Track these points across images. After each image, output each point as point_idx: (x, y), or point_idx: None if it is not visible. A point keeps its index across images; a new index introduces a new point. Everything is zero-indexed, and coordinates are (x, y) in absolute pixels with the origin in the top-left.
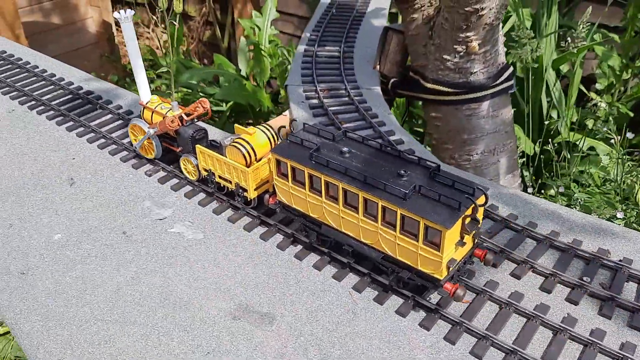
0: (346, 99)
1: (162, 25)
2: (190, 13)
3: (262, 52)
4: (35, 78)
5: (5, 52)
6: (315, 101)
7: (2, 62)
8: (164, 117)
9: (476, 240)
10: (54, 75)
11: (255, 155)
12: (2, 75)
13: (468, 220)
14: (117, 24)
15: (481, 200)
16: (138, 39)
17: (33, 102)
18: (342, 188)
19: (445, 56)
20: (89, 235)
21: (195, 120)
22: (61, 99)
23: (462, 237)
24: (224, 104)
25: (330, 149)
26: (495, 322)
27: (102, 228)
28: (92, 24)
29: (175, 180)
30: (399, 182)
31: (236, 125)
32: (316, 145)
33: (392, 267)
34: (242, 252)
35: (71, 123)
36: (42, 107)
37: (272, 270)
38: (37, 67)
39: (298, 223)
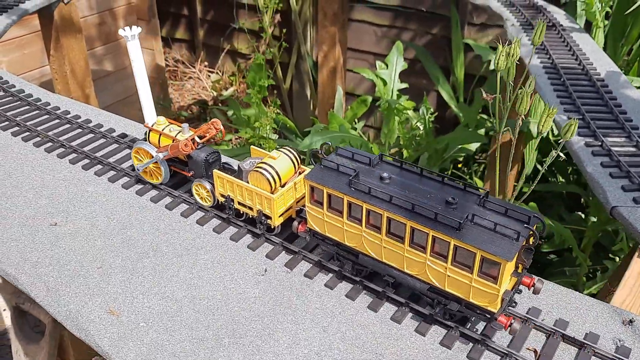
0: None
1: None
2: (242, 50)
3: (396, 110)
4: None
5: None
6: None
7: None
8: (173, 140)
9: (525, 268)
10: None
11: (280, 180)
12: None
13: (523, 249)
14: (178, 73)
15: (538, 228)
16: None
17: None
18: (387, 217)
19: None
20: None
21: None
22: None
23: (517, 268)
24: None
25: (369, 174)
26: (545, 352)
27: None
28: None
29: (184, 206)
30: (450, 210)
31: (252, 147)
32: (354, 170)
33: (439, 298)
34: (270, 279)
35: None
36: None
37: (305, 299)
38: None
39: (324, 250)
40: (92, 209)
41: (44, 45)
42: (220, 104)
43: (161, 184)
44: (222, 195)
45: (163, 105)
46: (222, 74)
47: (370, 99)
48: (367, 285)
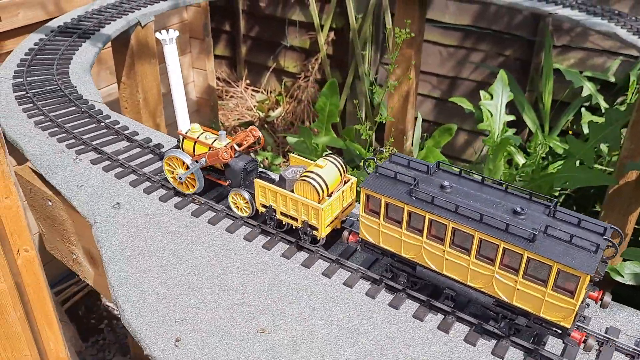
0: None
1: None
2: (289, 68)
3: (510, 147)
4: None
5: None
6: None
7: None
8: (210, 148)
9: (595, 280)
10: None
11: (327, 189)
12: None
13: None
14: (224, 91)
15: (616, 239)
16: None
17: None
18: (452, 227)
19: None
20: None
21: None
22: None
23: (592, 282)
24: None
25: (429, 183)
26: None
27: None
28: (193, 89)
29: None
30: (519, 221)
31: (291, 155)
32: (413, 179)
33: (504, 312)
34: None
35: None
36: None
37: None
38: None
39: (382, 265)
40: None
41: (101, 67)
42: (266, 125)
43: (194, 193)
44: (263, 206)
45: (214, 129)
46: (269, 93)
47: (455, 127)
48: (433, 304)
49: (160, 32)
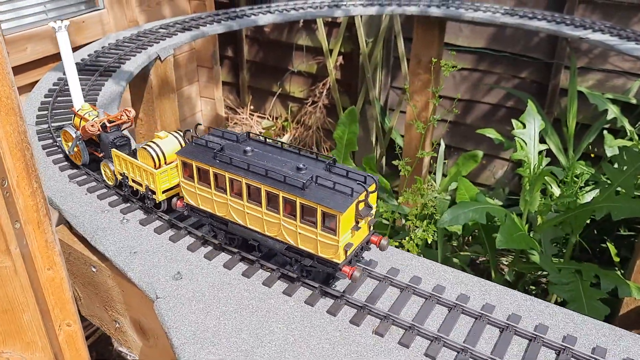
0: None
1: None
2: (294, 93)
3: (548, 178)
4: None
5: None
6: None
7: None
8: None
9: (372, 227)
10: None
11: (165, 158)
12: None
13: (362, 205)
14: (228, 118)
15: (372, 187)
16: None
17: None
18: (246, 183)
19: None
20: None
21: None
22: None
23: (357, 222)
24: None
25: (234, 149)
26: (396, 304)
27: None
28: (201, 118)
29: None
30: (299, 174)
31: (156, 133)
32: (220, 145)
33: (296, 256)
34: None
35: None
36: None
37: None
38: None
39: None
40: None
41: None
42: None
43: (83, 164)
44: (120, 174)
45: None
46: (275, 119)
47: (481, 154)
48: (245, 256)
49: (54, 22)
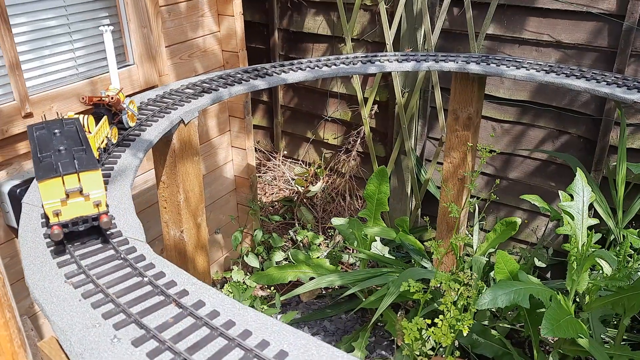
0: None
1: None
2: (328, 140)
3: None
4: None
5: None
6: None
7: None
8: None
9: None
10: None
11: None
12: None
13: None
14: (261, 164)
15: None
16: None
17: None
18: None
19: None
20: None
21: None
22: None
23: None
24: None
25: None
26: None
27: None
28: (232, 168)
29: None
30: None
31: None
32: None
33: None
34: None
35: None
36: None
37: None
38: None
39: None
40: None
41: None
42: (304, 200)
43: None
44: None
45: (252, 209)
46: (307, 166)
47: (519, 222)
48: None
49: (103, 26)
